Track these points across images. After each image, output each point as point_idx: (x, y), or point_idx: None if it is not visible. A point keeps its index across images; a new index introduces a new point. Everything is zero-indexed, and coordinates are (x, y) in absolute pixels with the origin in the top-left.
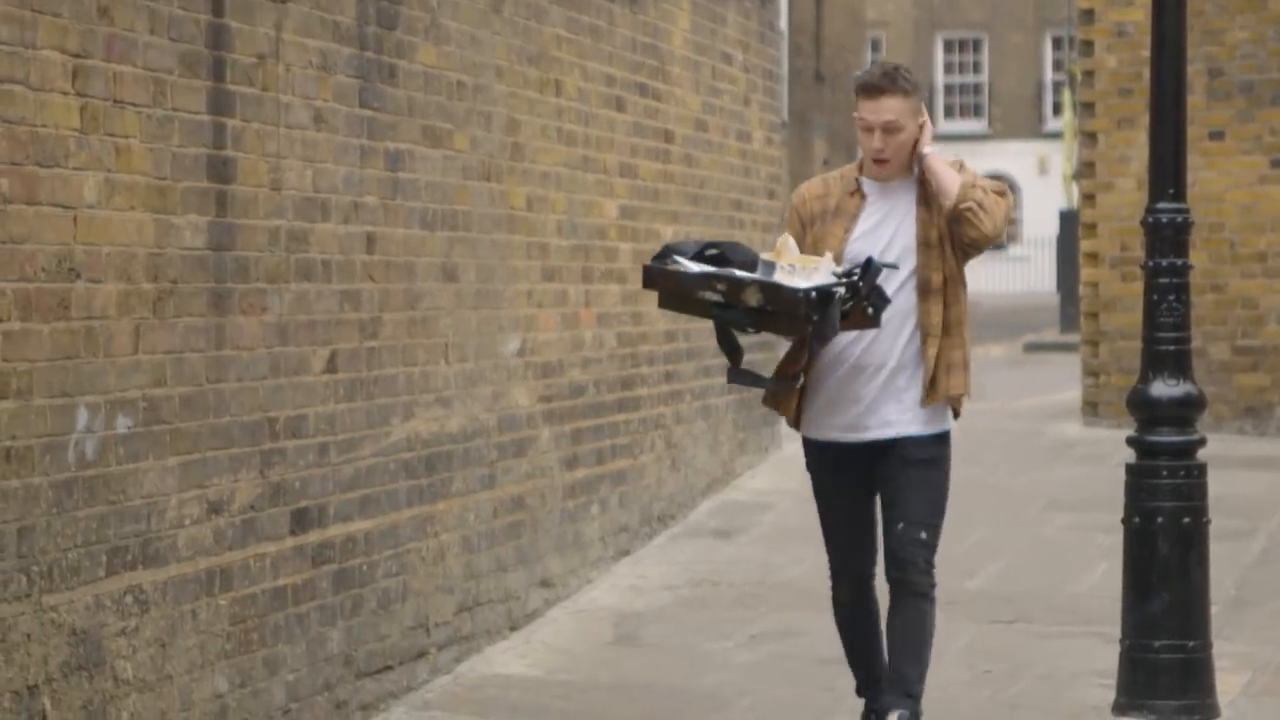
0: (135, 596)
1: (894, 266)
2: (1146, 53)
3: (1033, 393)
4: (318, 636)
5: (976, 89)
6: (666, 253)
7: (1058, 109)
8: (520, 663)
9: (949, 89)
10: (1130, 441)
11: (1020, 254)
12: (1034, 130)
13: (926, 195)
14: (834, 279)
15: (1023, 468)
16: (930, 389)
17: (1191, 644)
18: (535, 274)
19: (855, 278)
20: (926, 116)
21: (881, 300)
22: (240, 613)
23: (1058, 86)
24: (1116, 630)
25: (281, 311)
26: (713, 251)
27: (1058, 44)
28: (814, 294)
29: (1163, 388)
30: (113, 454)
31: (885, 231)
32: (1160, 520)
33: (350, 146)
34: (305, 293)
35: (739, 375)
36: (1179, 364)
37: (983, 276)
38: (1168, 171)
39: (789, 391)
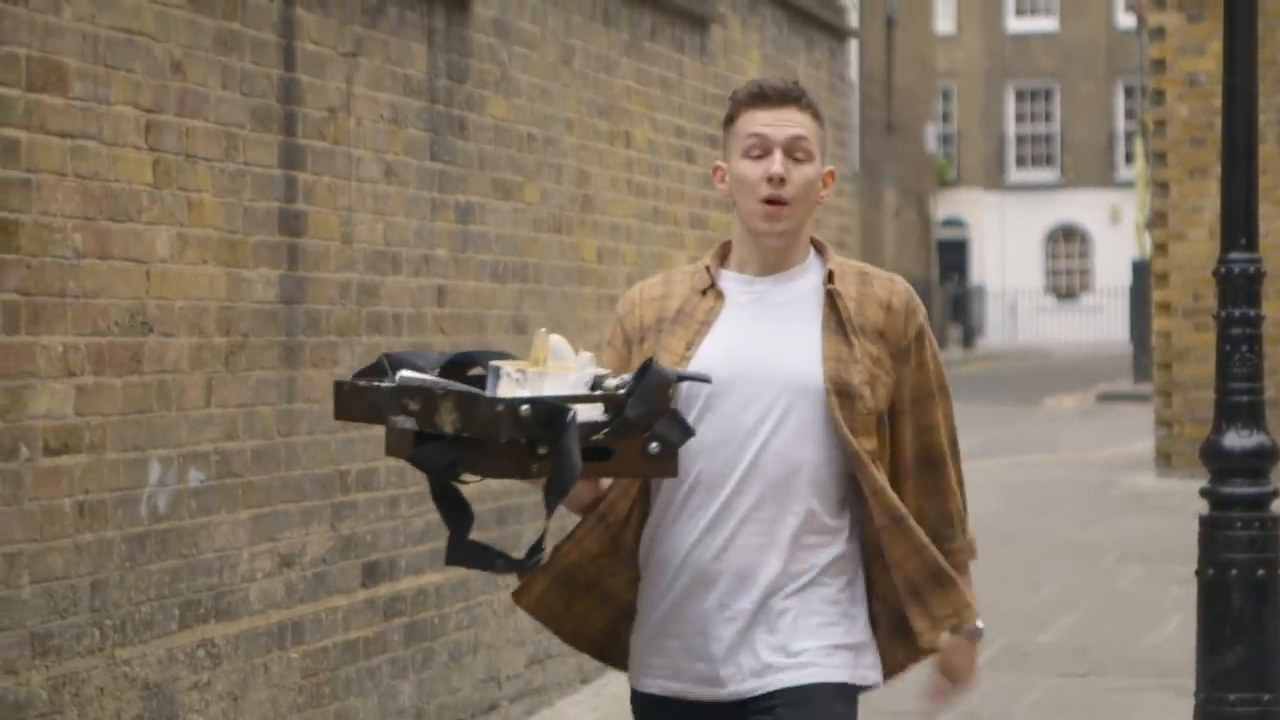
0: (207, 650)
1: (704, 379)
2: (1218, 102)
3: (1106, 443)
4: (389, 689)
5: (1048, 139)
6: (381, 367)
7: (1129, 158)
8: (591, 715)
9: (1020, 139)
10: (1203, 493)
11: (1093, 304)
12: (1106, 179)
13: (839, 314)
14: (580, 391)
15: (1095, 519)
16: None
17: (1267, 697)
18: (606, 326)
19: (624, 390)
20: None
21: (677, 432)
22: (312, 666)
23: (1129, 136)
24: (1191, 683)
25: (353, 364)
26: (476, 371)
27: (1129, 93)
28: (523, 409)
29: (1236, 439)
30: (185, 507)
31: (760, 356)
32: (1234, 572)
33: (421, 199)
34: (376, 345)
35: (460, 550)
36: (1252, 415)
37: (1055, 326)
38: (1240, 221)
39: (532, 573)
